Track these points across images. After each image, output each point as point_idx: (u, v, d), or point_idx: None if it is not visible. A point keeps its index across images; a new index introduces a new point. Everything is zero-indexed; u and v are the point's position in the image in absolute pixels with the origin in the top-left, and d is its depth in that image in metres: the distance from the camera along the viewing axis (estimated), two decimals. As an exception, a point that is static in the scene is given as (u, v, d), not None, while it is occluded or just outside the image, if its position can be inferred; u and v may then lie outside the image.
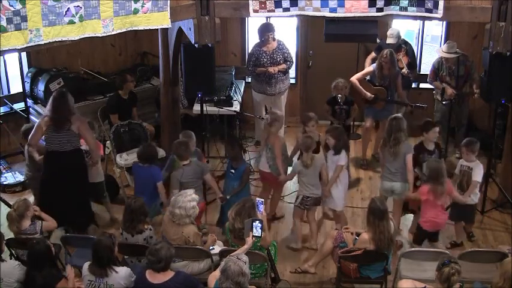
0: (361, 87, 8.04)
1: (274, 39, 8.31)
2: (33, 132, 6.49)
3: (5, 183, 7.87)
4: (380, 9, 5.98)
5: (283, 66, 8.35)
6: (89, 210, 6.85)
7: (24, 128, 7.18)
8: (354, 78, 8.10)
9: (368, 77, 8.18)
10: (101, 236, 5.21)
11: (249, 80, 9.02)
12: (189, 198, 5.65)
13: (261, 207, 5.58)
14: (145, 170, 6.60)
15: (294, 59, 8.62)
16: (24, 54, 8.40)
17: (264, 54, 8.29)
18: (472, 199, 6.52)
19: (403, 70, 8.35)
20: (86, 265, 5.11)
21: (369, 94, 8.00)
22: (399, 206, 6.71)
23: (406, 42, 8.68)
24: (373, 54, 8.58)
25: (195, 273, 5.59)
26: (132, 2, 5.48)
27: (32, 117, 8.50)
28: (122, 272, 5.09)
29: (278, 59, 8.31)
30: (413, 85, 9.04)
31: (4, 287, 5.15)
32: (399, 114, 7.00)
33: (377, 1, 5.93)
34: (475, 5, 5.90)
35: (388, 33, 8.39)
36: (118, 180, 7.61)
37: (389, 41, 8.38)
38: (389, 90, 8.04)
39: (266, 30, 8.24)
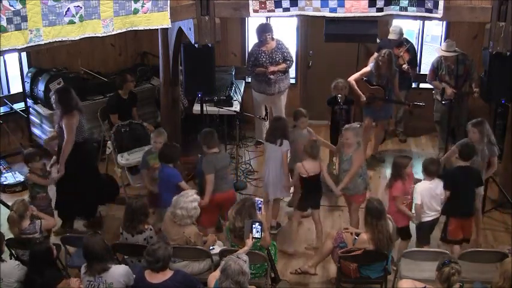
0: (357, 88, 8.04)
1: (272, 39, 8.31)
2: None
3: (5, 183, 7.87)
4: (380, 9, 5.98)
5: (283, 65, 8.35)
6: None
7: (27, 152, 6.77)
8: (352, 79, 8.10)
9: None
10: (90, 235, 5.23)
11: (249, 80, 9.02)
12: (190, 199, 5.64)
13: (261, 208, 5.58)
14: (162, 170, 6.47)
15: (294, 58, 8.63)
16: (24, 54, 8.39)
17: (263, 54, 8.29)
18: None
19: (404, 66, 8.35)
20: (83, 268, 5.11)
21: (363, 96, 8.00)
22: None
23: (407, 41, 8.69)
24: (375, 55, 8.57)
25: (195, 273, 5.59)
26: (132, 2, 5.48)
27: (32, 117, 8.51)
28: (120, 269, 5.10)
29: (277, 59, 8.30)
30: (413, 85, 9.05)
31: (4, 287, 5.15)
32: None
33: (377, 1, 5.93)
34: (475, 5, 5.90)
35: (391, 29, 8.42)
36: (119, 180, 7.61)
37: (391, 36, 8.39)
38: (386, 90, 8.04)
39: (263, 30, 8.25)
